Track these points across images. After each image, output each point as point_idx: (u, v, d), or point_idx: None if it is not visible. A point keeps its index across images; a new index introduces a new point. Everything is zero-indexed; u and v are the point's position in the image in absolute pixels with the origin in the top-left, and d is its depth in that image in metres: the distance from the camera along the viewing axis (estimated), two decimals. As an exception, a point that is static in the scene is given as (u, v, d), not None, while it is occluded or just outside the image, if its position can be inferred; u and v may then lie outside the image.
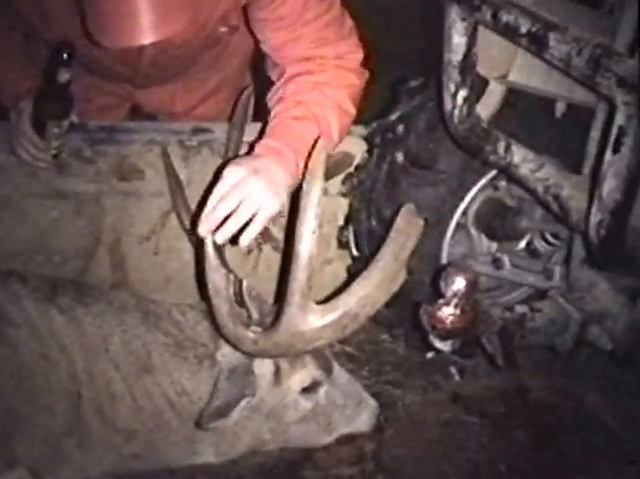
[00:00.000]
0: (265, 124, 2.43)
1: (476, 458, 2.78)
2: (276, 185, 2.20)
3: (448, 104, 2.47)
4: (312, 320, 2.00)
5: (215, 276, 2.05)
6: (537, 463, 2.82)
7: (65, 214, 2.83)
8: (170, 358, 2.33)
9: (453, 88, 2.42)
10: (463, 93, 2.42)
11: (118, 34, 2.09)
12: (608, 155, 1.86)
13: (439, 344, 2.20)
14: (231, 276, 2.09)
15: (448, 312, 2.07)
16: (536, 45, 1.98)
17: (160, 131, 2.90)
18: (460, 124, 2.46)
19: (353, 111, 2.49)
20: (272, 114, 2.42)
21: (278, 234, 3.13)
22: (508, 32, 2.10)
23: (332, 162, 2.83)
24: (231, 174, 2.15)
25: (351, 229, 3.09)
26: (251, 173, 2.15)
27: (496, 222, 2.99)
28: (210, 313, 2.16)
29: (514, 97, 2.68)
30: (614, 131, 1.83)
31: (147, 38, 2.07)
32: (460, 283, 2.05)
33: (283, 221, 3.08)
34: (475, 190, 2.89)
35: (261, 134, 2.42)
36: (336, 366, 2.51)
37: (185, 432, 2.33)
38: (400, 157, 2.82)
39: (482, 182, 2.86)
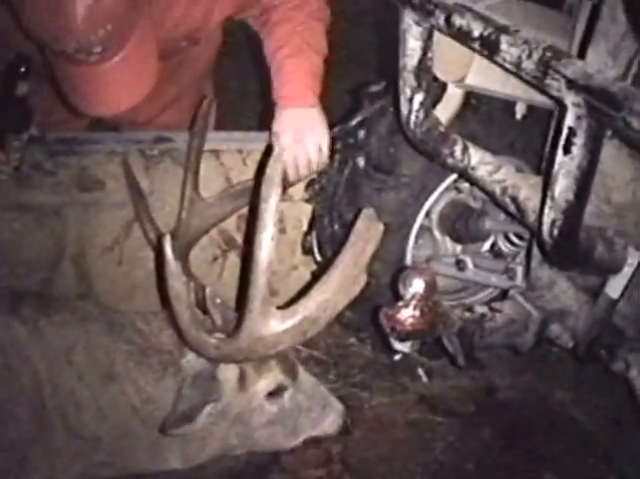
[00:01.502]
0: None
1: (443, 458, 2.81)
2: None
3: (404, 108, 2.49)
4: (273, 325, 2.02)
5: (176, 283, 2.05)
6: (506, 461, 2.86)
7: (27, 226, 2.82)
8: (135, 366, 2.33)
9: (409, 92, 2.44)
10: (419, 97, 2.44)
11: (96, 106, 2.35)
12: (559, 155, 1.89)
13: (399, 346, 2.22)
14: (192, 283, 2.10)
15: (407, 314, 2.10)
16: (488, 48, 2.01)
17: (120, 141, 2.91)
18: (416, 128, 2.48)
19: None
20: (271, 59, 2.73)
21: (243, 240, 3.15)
22: (462, 36, 2.11)
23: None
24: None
25: (314, 234, 3.11)
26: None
27: (460, 224, 3.02)
28: (173, 320, 2.17)
29: (477, 100, 2.74)
30: (564, 131, 1.85)
31: (124, 105, 2.36)
32: (418, 285, 2.08)
33: (247, 228, 3.12)
34: (437, 193, 2.93)
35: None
36: (301, 370, 2.52)
37: (152, 439, 2.33)
38: (361, 161, 2.84)
39: (444, 185, 2.90)
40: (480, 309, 2.34)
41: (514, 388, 3.19)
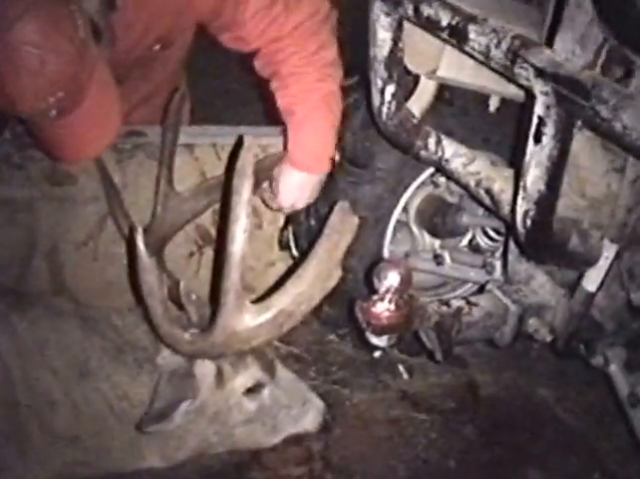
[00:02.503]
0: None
1: (425, 455, 2.79)
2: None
3: (376, 100, 2.45)
4: (247, 320, 1.98)
5: (149, 278, 2.01)
6: (488, 458, 2.85)
7: (-2, 221, 2.78)
8: (109, 362, 2.29)
9: (380, 84, 2.39)
10: (390, 89, 2.39)
11: (67, 155, 2.35)
12: (530, 145, 1.86)
13: (375, 340, 2.18)
14: (165, 277, 2.06)
15: (382, 308, 2.05)
16: (457, 38, 1.97)
17: (92, 134, 2.84)
18: (388, 120, 2.44)
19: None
20: (285, 114, 2.69)
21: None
22: (430, 26, 2.08)
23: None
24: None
25: (290, 229, 3.08)
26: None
27: (438, 218, 2.98)
28: (147, 316, 2.13)
29: (450, 93, 2.70)
30: (534, 121, 1.82)
31: (95, 150, 2.39)
32: (393, 278, 2.03)
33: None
34: (413, 187, 2.90)
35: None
36: (279, 367, 2.48)
37: (129, 436, 2.30)
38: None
39: (421, 179, 2.87)
40: (457, 303, 2.30)
41: (496, 385, 3.18)
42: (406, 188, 2.88)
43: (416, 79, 2.57)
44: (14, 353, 2.22)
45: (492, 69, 1.94)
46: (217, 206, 2.95)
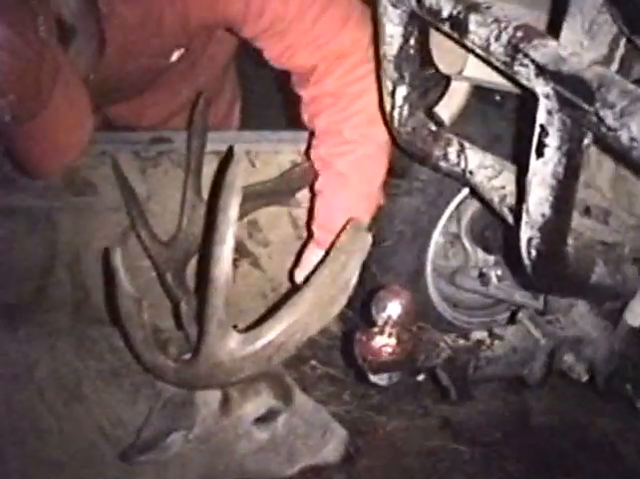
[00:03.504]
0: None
1: (459, 492, 2.58)
2: None
3: (387, 103, 2.22)
4: (232, 350, 1.81)
5: (126, 302, 1.89)
6: (532, 500, 2.61)
7: (16, 231, 2.71)
8: (104, 386, 2.16)
9: (390, 85, 2.17)
10: (401, 91, 2.16)
11: (43, 167, 2.18)
12: (532, 160, 1.61)
13: (374, 378, 1.96)
14: (144, 302, 1.91)
15: (381, 342, 1.83)
16: (457, 30, 1.73)
17: (113, 141, 2.75)
18: (401, 126, 2.21)
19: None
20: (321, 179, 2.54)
21: (255, 249, 2.96)
22: (432, 18, 1.84)
23: (299, 172, 2.66)
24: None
25: (326, 242, 2.88)
26: None
27: (489, 232, 2.76)
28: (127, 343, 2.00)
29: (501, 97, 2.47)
30: (536, 130, 1.57)
31: (68, 158, 2.17)
32: (392, 309, 1.81)
33: (260, 235, 2.92)
34: (461, 196, 2.68)
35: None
36: (298, 393, 2.31)
37: (124, 465, 2.14)
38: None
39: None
40: (478, 336, 2.06)
41: (550, 414, 2.92)
42: (449, 199, 2.67)
43: (447, 80, 2.35)
44: (0, 374, 2.12)
45: (495, 68, 1.69)
46: (252, 216, 2.82)
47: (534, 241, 1.70)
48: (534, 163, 1.62)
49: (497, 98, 2.47)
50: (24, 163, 2.22)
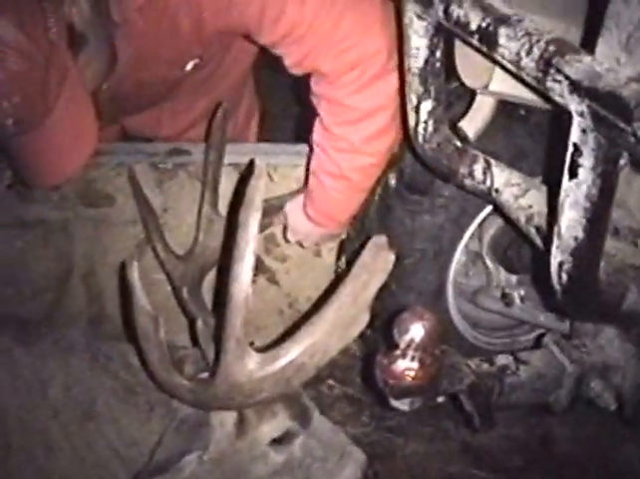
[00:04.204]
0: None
1: (478, 520, 2.50)
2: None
3: (411, 118, 2.17)
4: (250, 371, 1.74)
5: (143, 319, 1.82)
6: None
7: (31, 243, 2.65)
8: (118, 404, 2.09)
9: (414, 100, 2.11)
10: (426, 105, 2.10)
11: (42, 176, 2.12)
12: (565, 180, 1.54)
13: (395, 403, 1.89)
14: (161, 319, 1.85)
15: (403, 366, 1.76)
16: (487, 43, 1.67)
17: (130, 153, 2.70)
18: (425, 142, 2.16)
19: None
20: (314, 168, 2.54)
21: (272, 264, 2.90)
22: (460, 30, 1.78)
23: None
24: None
25: (344, 259, 2.84)
26: None
27: (512, 251, 2.69)
28: (142, 361, 1.94)
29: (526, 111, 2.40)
30: (570, 149, 1.51)
31: (72, 169, 2.09)
32: (415, 332, 1.73)
33: (277, 250, 2.87)
34: (484, 214, 2.61)
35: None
36: (316, 415, 2.23)
37: (137, 485, 2.10)
38: (392, 180, 2.55)
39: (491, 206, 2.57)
40: (503, 360, 1.99)
41: (574, 441, 2.84)
42: (472, 217, 2.60)
43: (472, 94, 2.29)
44: (12, 391, 2.05)
45: (526, 84, 1.63)
46: (269, 231, 2.76)
47: (566, 266, 1.63)
48: (567, 184, 1.56)
49: (522, 112, 2.41)
50: (25, 173, 2.16)
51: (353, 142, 2.38)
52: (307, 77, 2.41)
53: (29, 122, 1.90)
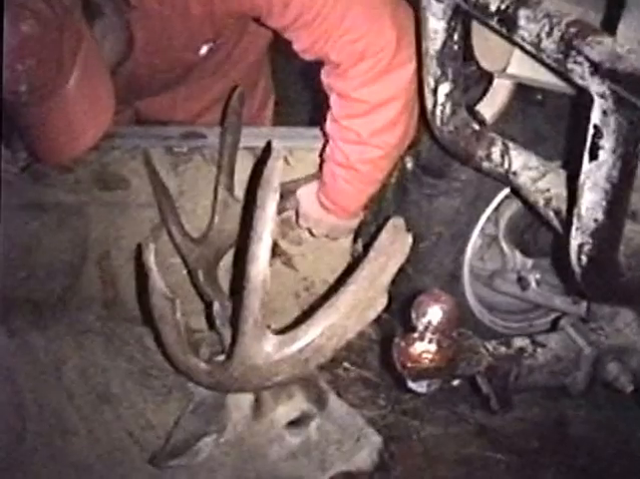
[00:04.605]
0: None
1: (494, 502, 2.50)
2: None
3: (428, 101, 2.15)
4: (268, 353, 1.74)
5: (159, 301, 1.82)
6: (569, 511, 2.53)
7: (46, 226, 2.65)
8: (133, 388, 2.10)
9: (432, 82, 2.09)
10: (444, 88, 2.09)
11: (56, 150, 2.08)
12: (585, 162, 1.53)
13: (412, 386, 1.88)
14: (178, 301, 1.85)
15: (421, 349, 1.76)
16: (506, 25, 1.65)
17: (145, 136, 2.70)
18: (443, 125, 2.14)
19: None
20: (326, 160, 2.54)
21: (289, 247, 2.90)
22: (478, 12, 1.76)
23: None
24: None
25: (360, 242, 2.82)
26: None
27: (529, 235, 2.67)
28: (159, 343, 1.94)
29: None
30: (590, 131, 1.49)
31: (87, 143, 2.06)
32: (433, 314, 1.73)
33: (293, 234, 2.86)
34: (500, 197, 2.60)
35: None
36: (332, 397, 2.23)
37: (152, 469, 2.06)
38: (409, 163, 2.54)
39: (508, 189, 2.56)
40: (520, 343, 1.98)
41: (589, 424, 2.83)
42: (488, 200, 2.59)
43: (489, 78, 2.27)
44: (27, 374, 2.05)
45: (546, 65, 1.61)
46: (285, 215, 2.76)
47: (586, 248, 1.62)
48: (587, 166, 1.54)
49: (539, 97, 2.39)
50: (40, 147, 2.12)
51: (361, 134, 2.38)
52: (321, 63, 2.40)
53: (43, 89, 1.88)
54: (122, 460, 2.10)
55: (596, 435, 2.79)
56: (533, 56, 1.63)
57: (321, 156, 2.59)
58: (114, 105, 2.05)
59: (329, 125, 2.46)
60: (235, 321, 1.79)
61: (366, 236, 2.77)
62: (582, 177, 1.56)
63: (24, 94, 1.86)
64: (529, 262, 2.81)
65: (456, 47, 2.04)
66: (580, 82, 1.50)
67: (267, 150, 2.33)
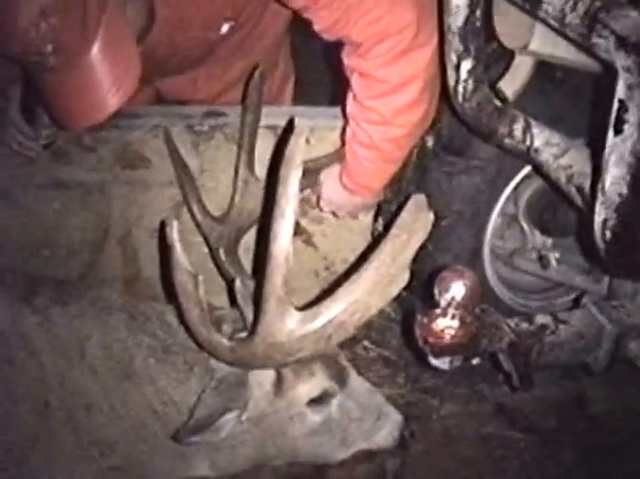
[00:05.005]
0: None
1: (514, 481, 2.50)
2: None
3: (451, 77, 2.14)
4: (291, 329, 1.74)
5: (182, 277, 1.81)
6: (587, 489, 2.53)
7: (68, 205, 2.66)
8: (156, 364, 2.11)
9: (454, 59, 2.08)
10: (466, 64, 2.08)
11: (82, 115, 2.04)
12: (610, 136, 1.52)
13: (435, 362, 1.88)
14: (200, 277, 1.85)
15: (443, 325, 1.76)
16: (530, 1, 1.64)
17: (166, 115, 2.69)
18: (465, 101, 2.13)
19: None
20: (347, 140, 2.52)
21: (309, 226, 2.90)
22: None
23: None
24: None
25: (381, 221, 2.83)
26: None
27: (548, 214, 2.67)
28: (182, 319, 1.94)
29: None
30: (615, 105, 1.48)
31: (111, 107, 2.01)
32: (456, 290, 1.73)
33: (314, 212, 2.86)
34: (519, 177, 2.60)
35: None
36: (353, 375, 2.24)
37: (175, 445, 2.07)
38: (430, 142, 2.54)
39: (529, 168, 2.55)
40: (542, 320, 1.98)
41: (609, 402, 2.84)
42: (509, 179, 2.59)
43: (511, 55, 2.26)
44: (50, 350, 2.07)
45: (570, 39, 1.60)
46: (306, 193, 2.75)
47: (610, 223, 1.62)
48: (612, 140, 1.54)
49: (559, 76, 2.38)
50: (64, 112, 2.09)
51: (384, 114, 2.37)
52: (341, 43, 2.39)
53: (68, 51, 1.88)
54: (144, 436, 2.12)
55: (615, 414, 2.79)
56: (556, 31, 1.62)
57: (341, 137, 2.59)
58: (139, 71, 2.03)
59: (350, 106, 2.45)
60: (258, 298, 1.79)
61: (386, 214, 2.78)
62: (606, 151, 1.56)
63: (50, 55, 1.86)
64: (549, 241, 2.80)
65: (478, 23, 2.03)
66: (605, 56, 1.49)
67: (289, 127, 2.32)
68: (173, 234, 1.82)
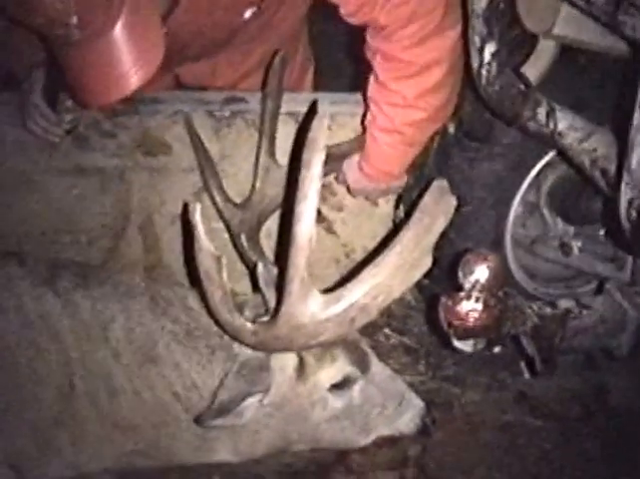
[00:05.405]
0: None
1: (535, 469, 2.49)
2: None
3: (474, 61, 2.13)
4: (314, 312, 1.73)
5: (206, 260, 1.81)
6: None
7: (88, 190, 2.66)
8: (178, 348, 2.12)
9: (478, 42, 2.07)
10: (490, 47, 2.07)
11: (103, 92, 2.03)
12: (636, 115, 1.50)
13: (458, 344, 1.87)
14: (224, 260, 1.85)
15: (467, 307, 1.75)
16: None
17: (187, 101, 2.68)
18: (489, 85, 2.12)
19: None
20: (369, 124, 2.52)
21: (329, 213, 2.89)
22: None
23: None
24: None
25: (402, 207, 2.82)
26: None
27: (570, 202, 2.66)
28: (205, 302, 1.94)
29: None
30: (640, 84, 1.47)
31: (132, 85, 1.99)
32: (480, 273, 1.72)
33: (334, 199, 2.85)
34: (541, 164, 2.59)
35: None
36: (375, 361, 2.24)
37: (197, 428, 2.10)
38: (452, 128, 2.54)
39: (551, 155, 2.55)
40: (566, 304, 1.96)
41: (630, 392, 2.81)
42: (531, 166, 2.58)
43: (533, 39, 2.24)
44: (74, 334, 2.08)
45: (595, 18, 1.58)
46: (326, 180, 2.75)
47: (636, 203, 1.60)
48: (638, 119, 1.52)
49: (582, 62, 2.37)
50: (86, 89, 2.08)
51: (407, 96, 2.36)
52: (362, 31, 2.39)
53: (93, 25, 1.88)
54: (166, 420, 2.13)
55: (636, 403, 2.77)
56: (582, 10, 1.61)
57: (362, 124, 2.58)
58: (162, 52, 2.02)
59: (372, 89, 2.45)
60: (281, 281, 1.79)
61: (407, 201, 2.77)
62: (633, 131, 1.54)
63: (75, 28, 1.86)
64: (571, 229, 2.79)
65: (502, 5, 2.03)
66: (631, 34, 1.49)
67: (311, 112, 2.31)
68: (196, 216, 1.81)
